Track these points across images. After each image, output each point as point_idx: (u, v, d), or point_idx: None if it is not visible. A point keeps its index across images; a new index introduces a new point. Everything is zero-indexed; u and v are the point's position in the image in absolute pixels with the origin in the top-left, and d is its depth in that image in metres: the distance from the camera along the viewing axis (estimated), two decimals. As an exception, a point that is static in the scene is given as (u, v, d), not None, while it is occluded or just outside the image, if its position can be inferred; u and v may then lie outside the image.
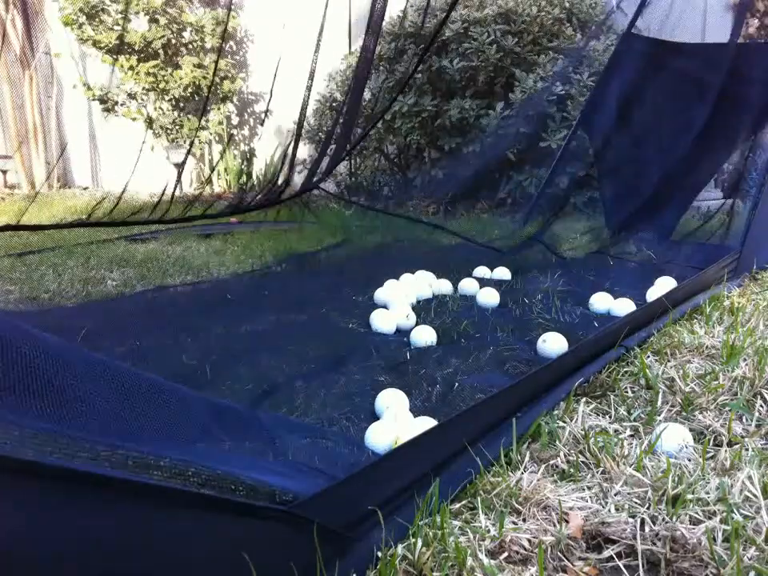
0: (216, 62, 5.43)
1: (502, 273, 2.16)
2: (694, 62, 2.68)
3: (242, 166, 5.76)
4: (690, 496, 0.80)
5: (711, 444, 0.98)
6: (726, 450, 0.92)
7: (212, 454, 0.75)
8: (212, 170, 5.81)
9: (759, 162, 2.37)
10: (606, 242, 2.80)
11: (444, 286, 1.95)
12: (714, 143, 2.57)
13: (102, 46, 5.50)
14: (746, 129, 2.55)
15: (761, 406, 1.09)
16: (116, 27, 5.48)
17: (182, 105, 5.79)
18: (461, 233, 2.92)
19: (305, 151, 5.56)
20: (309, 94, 1.88)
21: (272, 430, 0.89)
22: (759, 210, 2.13)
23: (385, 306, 1.70)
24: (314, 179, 2.13)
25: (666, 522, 0.75)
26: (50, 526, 0.48)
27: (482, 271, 2.17)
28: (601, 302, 1.71)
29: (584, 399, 1.15)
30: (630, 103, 2.78)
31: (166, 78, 5.58)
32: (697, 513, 0.77)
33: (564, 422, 1.05)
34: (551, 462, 0.93)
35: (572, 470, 0.90)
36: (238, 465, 0.66)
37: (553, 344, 1.33)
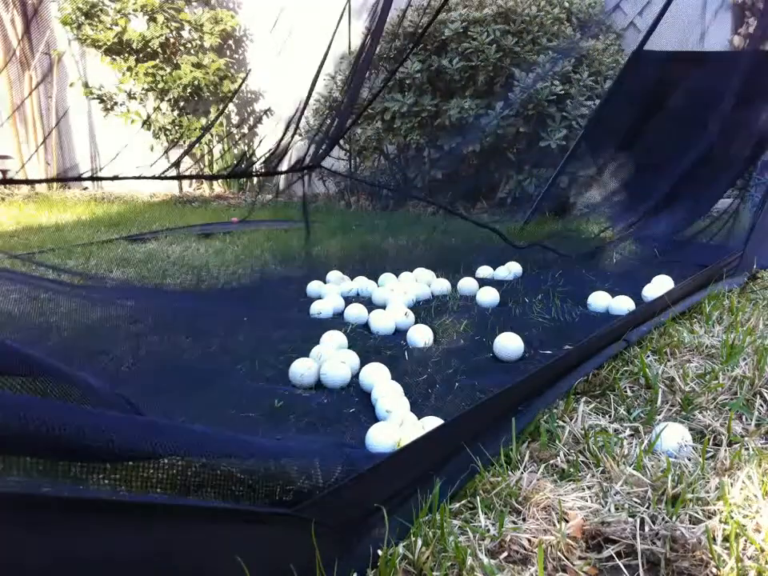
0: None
1: (502, 272, 2.16)
2: (708, 76, 2.62)
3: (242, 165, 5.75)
4: (689, 495, 0.80)
5: (711, 443, 0.98)
6: (725, 450, 0.92)
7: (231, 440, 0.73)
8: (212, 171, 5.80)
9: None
10: (606, 242, 2.79)
11: (443, 286, 1.95)
12: (728, 155, 2.53)
13: (101, 45, 5.49)
14: (756, 138, 2.51)
15: (760, 405, 1.09)
16: (115, 27, 5.47)
17: (181, 104, 5.79)
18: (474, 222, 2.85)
19: (303, 149, 5.54)
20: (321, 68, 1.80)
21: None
22: (766, 211, 2.13)
23: (383, 306, 1.70)
24: (317, 154, 2.06)
25: (666, 522, 0.75)
26: (51, 526, 0.48)
27: (483, 271, 2.17)
28: (599, 300, 1.71)
29: (584, 399, 1.15)
30: (639, 122, 2.76)
31: (164, 77, 5.57)
32: (696, 512, 0.77)
33: (564, 421, 1.05)
34: (551, 462, 0.93)
35: (572, 469, 0.90)
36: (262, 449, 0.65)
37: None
